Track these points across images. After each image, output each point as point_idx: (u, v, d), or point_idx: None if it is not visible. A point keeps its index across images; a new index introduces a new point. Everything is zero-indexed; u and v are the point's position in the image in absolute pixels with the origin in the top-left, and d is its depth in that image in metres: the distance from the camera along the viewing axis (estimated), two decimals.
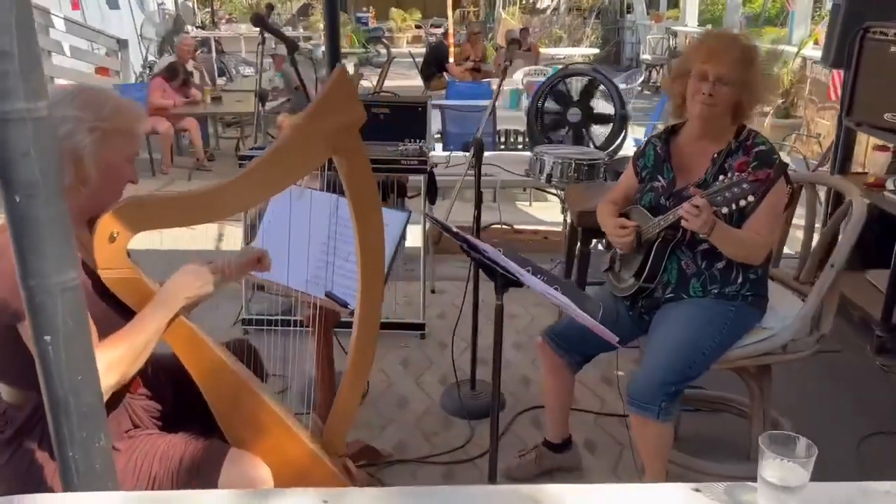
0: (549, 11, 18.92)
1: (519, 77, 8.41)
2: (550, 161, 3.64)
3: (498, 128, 6.39)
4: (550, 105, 4.42)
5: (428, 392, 2.92)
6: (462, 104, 6.33)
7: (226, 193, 1.51)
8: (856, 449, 2.53)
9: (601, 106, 4.48)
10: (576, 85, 4.41)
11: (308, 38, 15.18)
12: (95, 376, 1.21)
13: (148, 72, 10.33)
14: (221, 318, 3.44)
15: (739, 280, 2.05)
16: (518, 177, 4.08)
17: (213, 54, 11.86)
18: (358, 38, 17.56)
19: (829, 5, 8.14)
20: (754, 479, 1.06)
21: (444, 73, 9.94)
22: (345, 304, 2.00)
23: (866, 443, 2.56)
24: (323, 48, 13.44)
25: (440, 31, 16.52)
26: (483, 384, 2.87)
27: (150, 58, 11.83)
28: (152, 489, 1.50)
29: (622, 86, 9.28)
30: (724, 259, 2.04)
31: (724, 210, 1.85)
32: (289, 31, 14.88)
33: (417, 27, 21.53)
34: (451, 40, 11.24)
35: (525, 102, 6.34)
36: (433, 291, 3.76)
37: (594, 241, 3.33)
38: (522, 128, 5.32)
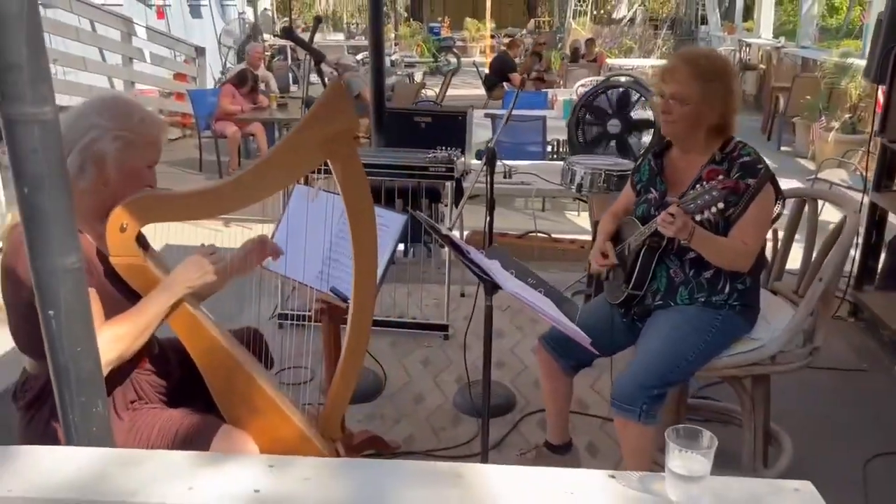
0: (623, 22, 18.80)
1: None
2: (581, 171, 3.70)
3: (549, 138, 6.46)
4: (590, 118, 4.48)
5: (443, 390, 3.04)
6: (512, 113, 6.39)
7: (226, 192, 1.68)
8: (862, 469, 2.50)
9: (642, 114, 4.51)
10: (612, 97, 4.45)
11: None
12: (94, 348, 1.38)
13: (224, 78, 10.83)
14: (262, 312, 3.64)
15: (727, 289, 2.10)
16: (554, 186, 4.16)
17: (289, 61, 12.30)
18: (428, 47, 17.82)
19: None
20: None
21: (506, 83, 10.03)
22: (345, 299, 2.14)
23: (874, 463, 2.53)
24: (391, 57, 13.77)
25: (504, 40, 16.64)
26: (495, 384, 2.96)
27: (229, 64, 12.38)
28: None
29: None
30: (712, 268, 2.09)
31: (698, 217, 1.92)
32: (351, 42, 15.29)
33: (491, 37, 21.70)
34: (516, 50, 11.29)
35: None
36: (462, 295, 3.87)
37: None
38: None
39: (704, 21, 15.83)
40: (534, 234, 4.63)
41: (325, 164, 1.75)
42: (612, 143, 4.50)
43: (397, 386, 3.06)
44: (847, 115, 7.31)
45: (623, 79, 5.50)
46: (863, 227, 3.61)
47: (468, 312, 3.77)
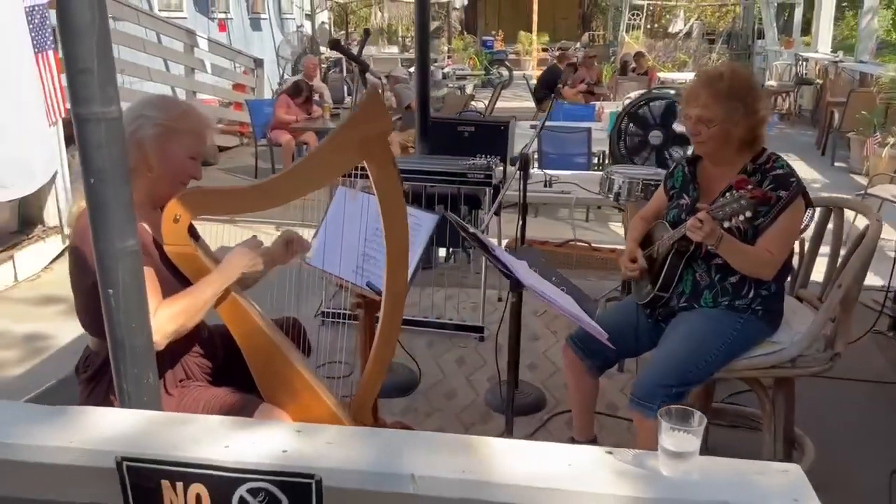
0: (679, 36, 18.69)
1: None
2: (619, 180, 3.77)
3: (595, 149, 6.53)
4: (632, 129, 4.55)
5: (476, 388, 3.14)
6: (557, 125, 6.50)
7: (271, 188, 1.83)
8: (888, 479, 2.51)
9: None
10: (656, 109, 4.51)
11: (433, 61, 15.79)
12: (147, 325, 1.53)
13: (280, 89, 11.18)
14: (309, 310, 3.81)
15: (751, 294, 2.16)
16: (593, 195, 4.24)
17: (343, 73, 12.61)
18: (481, 60, 17.99)
19: None
20: None
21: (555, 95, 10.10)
22: (380, 293, 2.26)
23: None
24: (444, 70, 13.99)
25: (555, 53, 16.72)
26: (526, 384, 3.06)
27: (286, 76, 12.76)
28: None
29: None
30: (737, 274, 2.15)
31: (726, 224, 1.99)
32: (405, 55, 15.55)
33: (544, 50, 21.79)
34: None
35: None
36: (500, 300, 3.97)
37: None
38: None
39: (761, 35, 15.63)
40: (574, 242, 4.71)
41: (363, 167, 1.88)
42: (653, 154, 4.56)
43: (431, 383, 3.17)
44: None
45: (671, 91, 5.56)
46: None
47: (504, 315, 3.89)
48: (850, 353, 3.35)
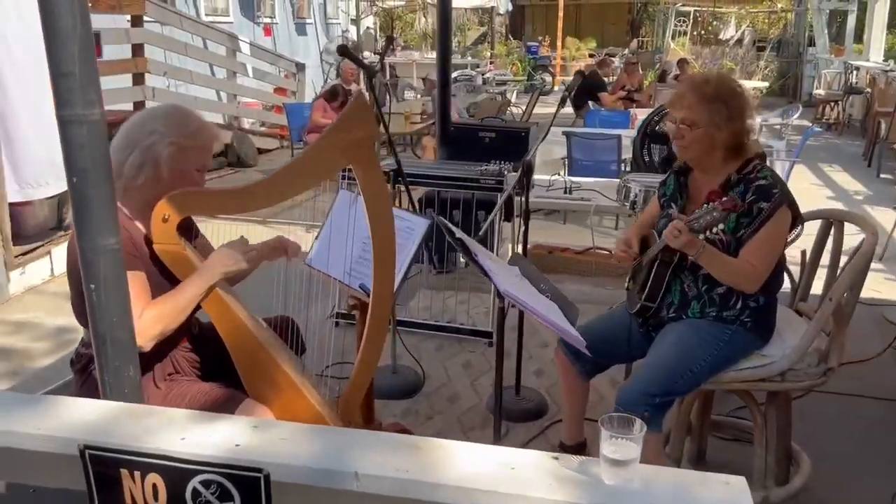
0: (731, 42, 18.37)
1: None
2: (636, 188, 3.76)
3: (625, 156, 6.48)
4: (654, 140, 4.51)
5: (479, 392, 3.16)
6: (586, 132, 6.47)
7: (258, 190, 1.88)
8: (890, 502, 2.45)
9: None
10: None
11: (475, 66, 15.84)
12: (129, 319, 1.59)
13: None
14: (323, 311, 3.87)
15: (738, 306, 2.13)
16: (612, 202, 4.22)
17: (386, 78, 12.75)
18: (524, 66, 17.97)
19: None
20: None
21: (592, 102, 10.05)
22: (369, 294, 2.30)
23: None
24: (483, 75, 14.00)
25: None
26: (529, 390, 3.07)
27: (329, 80, 12.95)
28: None
29: (776, 120, 8.92)
30: (724, 285, 2.13)
31: (703, 235, 1.98)
32: (457, 59, 15.62)
33: (591, 56, 21.63)
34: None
35: None
36: (513, 306, 3.96)
37: None
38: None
39: (813, 43, 15.27)
40: (594, 250, 4.68)
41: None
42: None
43: (436, 386, 3.20)
44: None
45: None
46: None
47: (515, 322, 3.89)
48: (869, 368, 3.29)
